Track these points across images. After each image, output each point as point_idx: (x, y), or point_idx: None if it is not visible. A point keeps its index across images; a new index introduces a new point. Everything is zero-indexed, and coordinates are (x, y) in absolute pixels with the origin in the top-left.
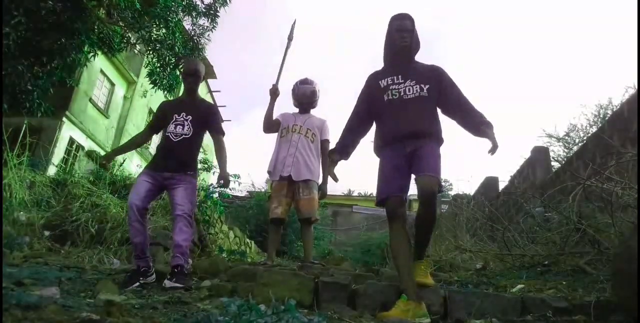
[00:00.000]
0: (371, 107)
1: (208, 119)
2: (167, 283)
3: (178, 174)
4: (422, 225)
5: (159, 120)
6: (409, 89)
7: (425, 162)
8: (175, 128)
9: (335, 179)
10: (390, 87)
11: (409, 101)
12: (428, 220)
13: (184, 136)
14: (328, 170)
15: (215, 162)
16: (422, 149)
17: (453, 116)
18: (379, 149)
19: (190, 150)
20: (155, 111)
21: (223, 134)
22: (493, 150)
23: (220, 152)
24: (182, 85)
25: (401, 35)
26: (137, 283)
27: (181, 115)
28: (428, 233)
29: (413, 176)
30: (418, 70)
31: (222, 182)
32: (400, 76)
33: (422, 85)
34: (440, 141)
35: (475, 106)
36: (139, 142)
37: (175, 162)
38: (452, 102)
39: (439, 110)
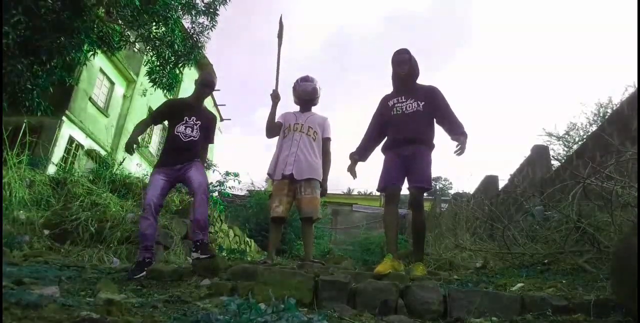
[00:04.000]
0: (383, 121)
1: (210, 128)
2: (194, 255)
3: (188, 162)
4: (415, 225)
5: (163, 115)
6: (409, 106)
7: (416, 174)
8: (185, 129)
9: (354, 176)
10: (396, 105)
11: (409, 115)
12: (419, 221)
13: (192, 138)
14: (349, 168)
15: (213, 161)
16: (417, 156)
17: (442, 125)
18: (385, 149)
19: (196, 149)
20: (161, 106)
21: (212, 143)
22: (460, 152)
23: (205, 158)
24: (194, 91)
25: (401, 67)
26: (144, 273)
27: (192, 119)
28: (422, 233)
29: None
30: (417, 91)
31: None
32: (403, 97)
33: (419, 102)
34: (431, 147)
35: (458, 119)
36: (143, 129)
37: (184, 157)
38: (442, 116)
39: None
